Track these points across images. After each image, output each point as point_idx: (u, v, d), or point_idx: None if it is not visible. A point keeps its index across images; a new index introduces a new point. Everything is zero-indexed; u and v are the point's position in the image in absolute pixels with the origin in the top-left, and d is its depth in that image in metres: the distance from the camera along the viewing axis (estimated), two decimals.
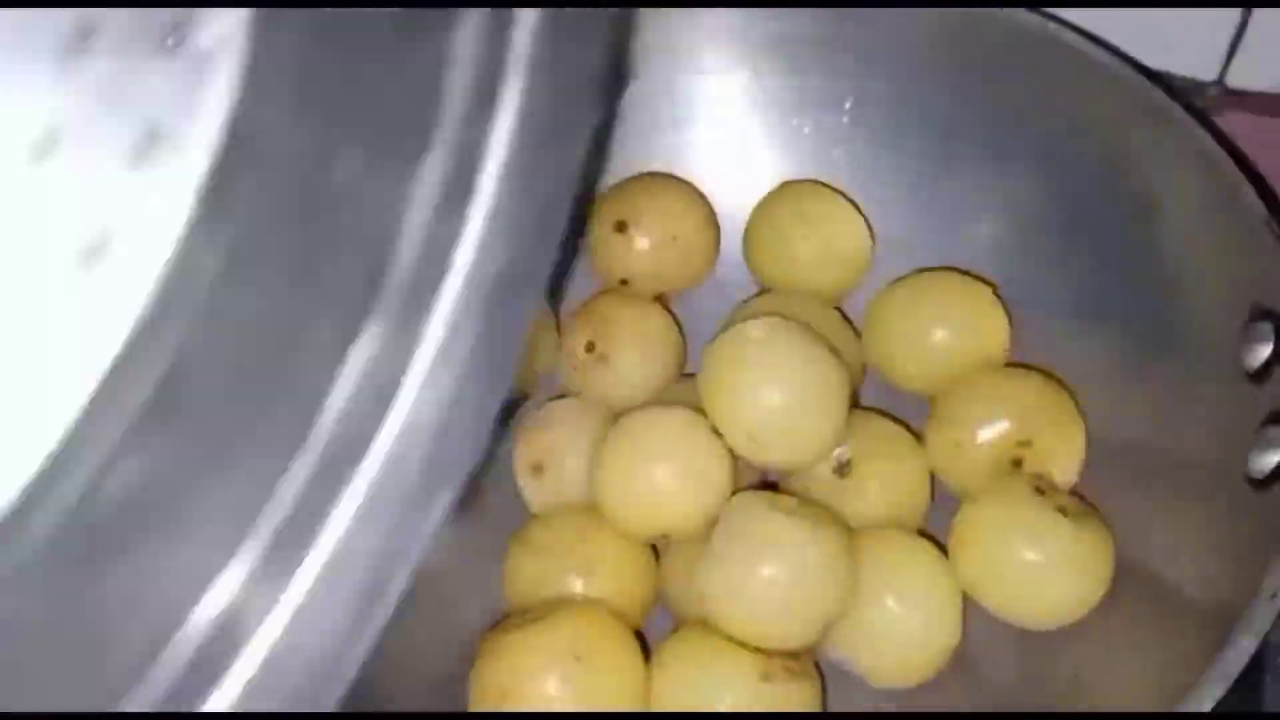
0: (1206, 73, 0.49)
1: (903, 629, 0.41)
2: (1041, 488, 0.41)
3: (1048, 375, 0.45)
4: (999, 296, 0.47)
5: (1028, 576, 0.40)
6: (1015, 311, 0.47)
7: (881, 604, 0.40)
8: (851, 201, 0.49)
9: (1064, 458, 0.43)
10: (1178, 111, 0.43)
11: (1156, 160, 0.44)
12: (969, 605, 0.42)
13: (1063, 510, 0.40)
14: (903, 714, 0.38)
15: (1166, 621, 0.39)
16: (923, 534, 0.44)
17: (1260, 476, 0.38)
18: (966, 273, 0.47)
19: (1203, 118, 0.44)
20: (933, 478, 0.45)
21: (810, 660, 0.41)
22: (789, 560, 0.38)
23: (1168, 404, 0.43)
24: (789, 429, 0.42)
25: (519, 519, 0.46)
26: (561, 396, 0.49)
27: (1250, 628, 0.35)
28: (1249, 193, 0.41)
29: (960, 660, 0.42)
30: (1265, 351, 0.40)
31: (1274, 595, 0.35)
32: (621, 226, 0.49)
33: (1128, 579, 0.41)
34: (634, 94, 0.51)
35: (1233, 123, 0.48)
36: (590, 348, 0.49)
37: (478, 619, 0.43)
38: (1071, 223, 0.46)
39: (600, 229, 0.49)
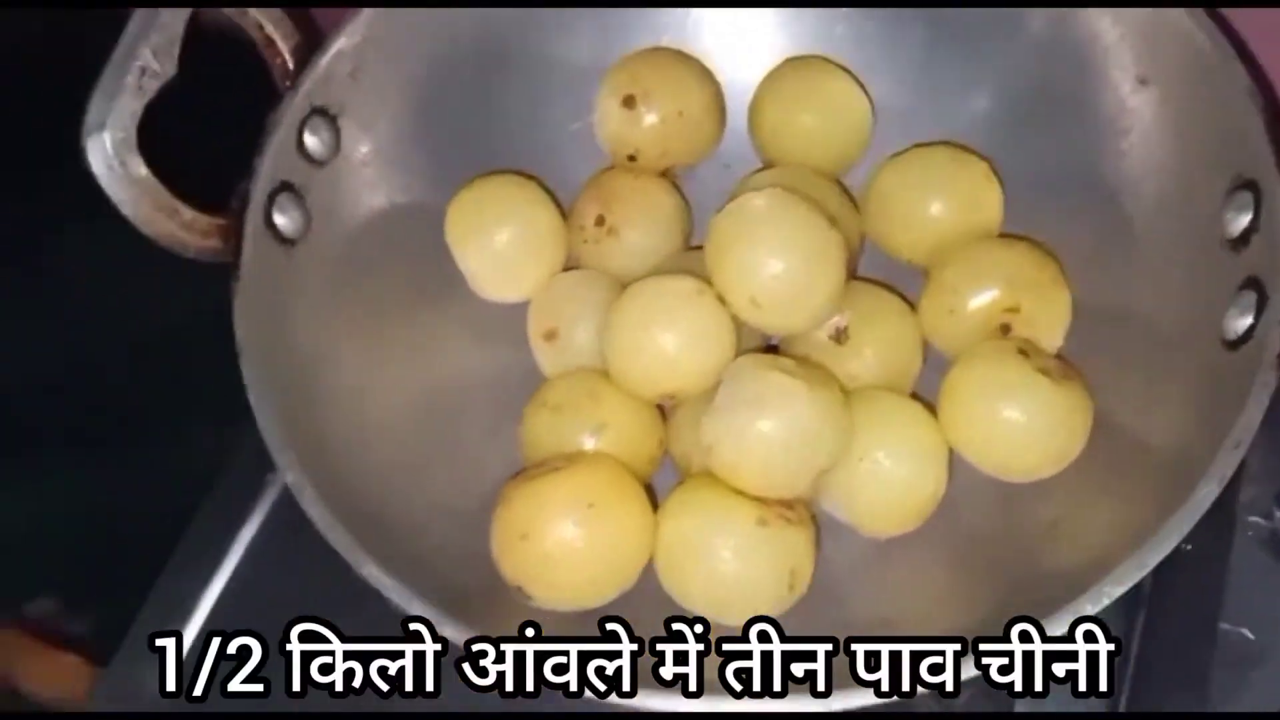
0: None
1: (891, 481, 0.43)
2: (1026, 350, 0.44)
3: (1036, 244, 0.47)
4: (993, 169, 0.48)
5: (1010, 433, 0.43)
6: (1007, 183, 0.48)
7: (872, 457, 0.43)
8: (853, 77, 0.51)
9: (1049, 323, 0.46)
10: None
11: (1145, 35, 0.45)
12: (956, 461, 0.45)
13: (1045, 371, 0.43)
14: (902, 714, 0.41)
15: (1141, 473, 0.42)
16: (915, 396, 0.46)
17: (1234, 338, 0.41)
18: (962, 147, 0.49)
19: None
20: (925, 343, 0.48)
21: (805, 509, 0.44)
22: (786, 413, 0.41)
23: (1149, 271, 0.45)
24: (789, 295, 0.44)
25: (535, 383, 0.49)
26: (573, 269, 0.51)
27: (1217, 472, 0.38)
28: (1234, 64, 0.43)
29: (945, 511, 0.45)
30: (1245, 220, 0.42)
31: (1239, 444, 0.38)
32: (629, 101, 0.50)
33: (1106, 435, 0.44)
34: None
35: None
36: (600, 221, 0.50)
37: (500, 471, 0.46)
38: (1062, 97, 0.48)
39: (608, 104, 0.51)
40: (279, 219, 0.47)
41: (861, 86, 0.51)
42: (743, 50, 0.53)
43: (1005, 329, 0.46)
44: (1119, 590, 0.37)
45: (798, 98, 0.50)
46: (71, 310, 0.58)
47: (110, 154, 0.42)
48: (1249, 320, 0.40)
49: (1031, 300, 0.45)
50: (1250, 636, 0.46)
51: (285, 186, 0.47)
